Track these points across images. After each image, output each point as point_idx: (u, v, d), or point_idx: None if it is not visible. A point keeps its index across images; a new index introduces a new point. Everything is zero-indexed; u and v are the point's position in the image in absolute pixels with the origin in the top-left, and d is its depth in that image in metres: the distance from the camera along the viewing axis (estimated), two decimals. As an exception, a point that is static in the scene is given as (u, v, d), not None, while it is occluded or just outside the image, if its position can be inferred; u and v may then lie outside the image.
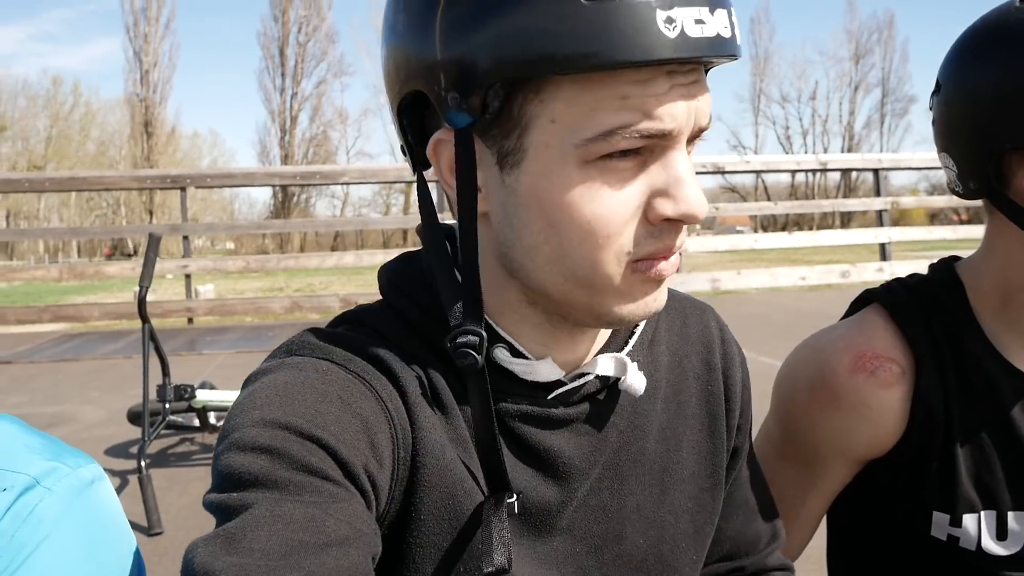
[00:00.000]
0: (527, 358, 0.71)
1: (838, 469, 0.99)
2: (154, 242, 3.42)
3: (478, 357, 0.65)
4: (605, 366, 0.73)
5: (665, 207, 0.61)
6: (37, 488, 0.68)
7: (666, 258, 0.65)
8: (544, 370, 0.70)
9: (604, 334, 0.77)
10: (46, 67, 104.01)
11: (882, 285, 1.01)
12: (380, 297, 0.76)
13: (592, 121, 0.59)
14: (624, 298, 0.66)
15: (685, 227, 0.65)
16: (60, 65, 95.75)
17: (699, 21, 0.58)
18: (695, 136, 0.65)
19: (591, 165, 0.61)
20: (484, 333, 0.65)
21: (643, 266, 0.64)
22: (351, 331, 0.72)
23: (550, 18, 0.57)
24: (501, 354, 0.70)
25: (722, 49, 0.60)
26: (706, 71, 0.66)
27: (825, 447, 0.97)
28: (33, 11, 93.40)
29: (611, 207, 0.61)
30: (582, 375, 0.73)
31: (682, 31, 0.57)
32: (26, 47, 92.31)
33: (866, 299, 1.01)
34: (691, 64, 0.61)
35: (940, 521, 0.92)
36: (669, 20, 0.57)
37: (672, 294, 0.84)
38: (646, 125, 0.59)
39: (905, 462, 0.93)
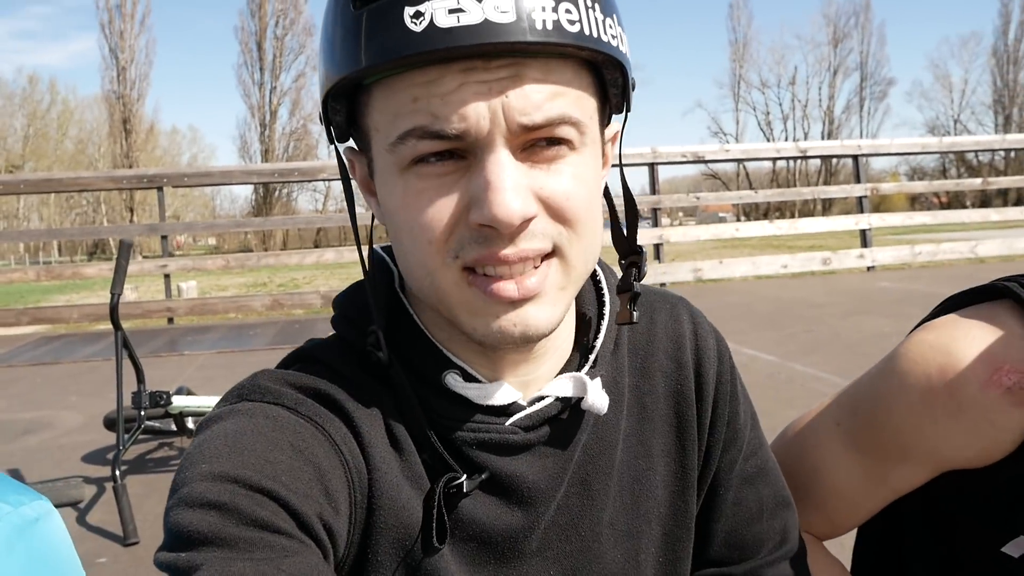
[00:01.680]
0: (481, 382, 0.70)
1: (921, 472, 0.89)
2: (125, 249, 3.37)
3: (380, 354, 0.66)
4: (563, 387, 0.71)
5: (473, 212, 0.60)
6: None
7: (502, 273, 0.61)
8: (498, 393, 0.69)
9: (563, 352, 0.75)
10: (22, 65, 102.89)
11: (1020, 281, 0.86)
12: None
13: (393, 126, 0.60)
14: (475, 315, 0.64)
15: (528, 239, 0.61)
16: (39, 62, 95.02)
17: (455, 10, 0.56)
18: (529, 134, 0.60)
19: (409, 171, 0.61)
20: (379, 332, 0.67)
21: (479, 281, 0.62)
22: (304, 369, 0.71)
23: (332, 32, 0.62)
24: (453, 380, 0.69)
25: (493, 35, 0.56)
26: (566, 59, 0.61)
27: (920, 450, 0.87)
28: (11, 7, 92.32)
29: (431, 212, 0.61)
30: (541, 398, 0.71)
31: (430, 23, 0.55)
32: (4, 44, 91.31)
33: (995, 291, 0.87)
34: (489, 57, 0.57)
35: (1022, 542, 0.84)
36: (417, 15, 0.56)
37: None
38: (435, 127, 0.58)
39: (1002, 478, 0.84)
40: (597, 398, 0.70)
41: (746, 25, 61.24)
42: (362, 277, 0.74)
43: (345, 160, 0.71)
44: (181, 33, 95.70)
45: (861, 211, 10.49)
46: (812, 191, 13.74)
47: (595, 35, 0.59)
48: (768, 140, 55.02)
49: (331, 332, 0.76)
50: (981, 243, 10.95)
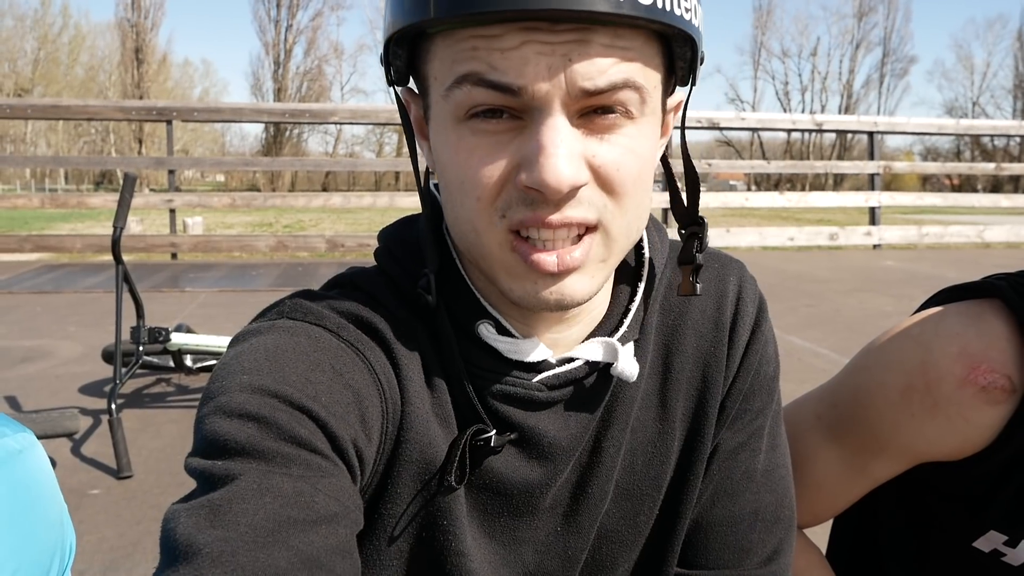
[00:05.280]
0: (514, 336, 0.69)
1: (898, 464, 0.91)
2: (129, 182, 3.35)
3: (429, 298, 0.65)
4: (593, 351, 0.71)
5: (522, 174, 0.59)
6: None
7: (546, 238, 0.61)
8: (529, 349, 0.69)
9: (597, 314, 0.74)
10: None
11: (1012, 280, 0.87)
12: (373, 247, 0.76)
13: (450, 71, 0.59)
14: (514, 279, 0.63)
15: (574, 206, 0.60)
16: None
17: None
18: (589, 99, 0.58)
19: (463, 124, 0.60)
20: (431, 276, 0.66)
21: (522, 247, 0.61)
22: (345, 295, 0.70)
23: None
24: (486, 330, 0.68)
25: (563, 2, 0.54)
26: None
27: (897, 444, 0.89)
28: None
29: (481, 170, 0.60)
30: (571, 359, 0.71)
31: None
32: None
33: (986, 288, 0.87)
34: (556, 20, 0.56)
35: (993, 538, 0.86)
36: None
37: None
38: (490, 76, 0.57)
39: (977, 474, 0.85)
40: (627, 366, 0.70)
41: (771, -9, 60.21)
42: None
43: (403, 100, 0.70)
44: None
45: (872, 188, 10.41)
46: (825, 165, 13.58)
47: (668, 8, 0.58)
48: (785, 111, 54.46)
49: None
50: (988, 228, 10.88)
